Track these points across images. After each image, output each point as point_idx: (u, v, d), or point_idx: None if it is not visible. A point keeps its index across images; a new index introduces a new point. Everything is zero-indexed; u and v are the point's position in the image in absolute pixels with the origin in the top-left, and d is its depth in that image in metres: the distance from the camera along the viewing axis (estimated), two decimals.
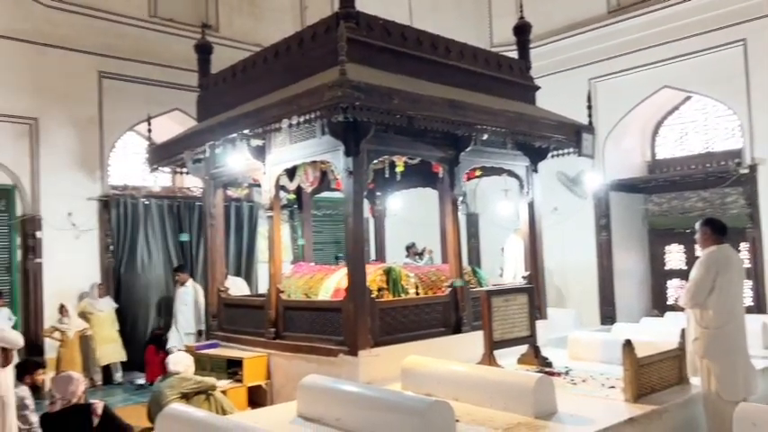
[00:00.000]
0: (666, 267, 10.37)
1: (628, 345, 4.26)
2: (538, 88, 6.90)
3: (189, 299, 8.40)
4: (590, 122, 6.79)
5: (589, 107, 6.88)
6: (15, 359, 5.42)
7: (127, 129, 9.22)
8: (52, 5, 8.41)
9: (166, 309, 9.22)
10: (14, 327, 7.79)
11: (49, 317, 8.13)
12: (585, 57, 9.83)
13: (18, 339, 4.74)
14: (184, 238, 9.19)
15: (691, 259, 9.69)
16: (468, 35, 7.71)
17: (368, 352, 5.02)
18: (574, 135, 6.37)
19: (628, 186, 10.13)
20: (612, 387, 4.57)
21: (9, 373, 4.69)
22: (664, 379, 4.49)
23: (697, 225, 4.70)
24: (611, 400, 4.30)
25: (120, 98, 8.99)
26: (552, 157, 6.81)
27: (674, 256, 10.31)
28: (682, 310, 4.87)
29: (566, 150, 6.63)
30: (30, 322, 8.13)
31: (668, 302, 10.00)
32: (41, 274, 8.23)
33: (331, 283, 5.92)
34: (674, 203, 10.15)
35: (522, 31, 6.99)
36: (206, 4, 10.11)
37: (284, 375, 5.70)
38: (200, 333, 8.30)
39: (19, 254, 8.19)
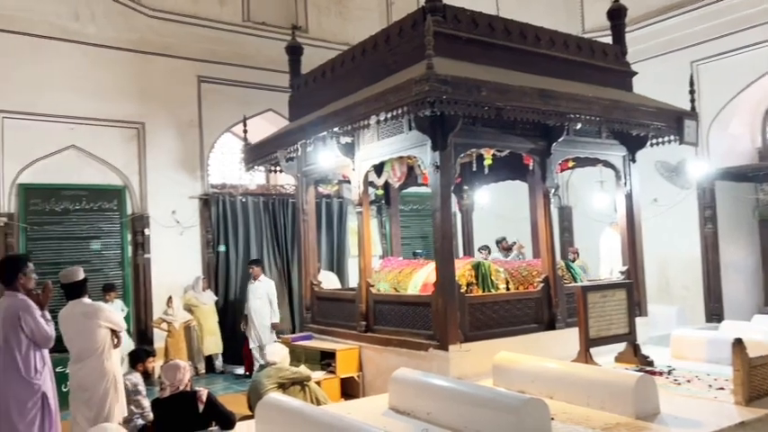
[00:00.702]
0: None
1: (738, 344, 3.98)
2: (635, 74, 6.58)
3: (262, 293, 8.68)
4: (693, 108, 6.39)
5: (692, 92, 6.48)
6: (123, 342, 5.94)
7: (224, 130, 9.66)
8: (156, 15, 8.95)
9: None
10: (126, 317, 8.41)
11: (157, 308, 8.69)
12: (687, 38, 9.25)
13: (122, 322, 5.25)
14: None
15: None
16: (558, 23, 7.48)
17: (458, 347, 4.99)
18: (675, 122, 6.02)
19: (735, 175, 9.45)
20: (721, 389, 4.30)
21: (118, 355, 5.13)
22: None
23: None
24: (719, 402, 4.04)
25: (217, 101, 9.45)
26: (651, 145, 6.47)
27: None
28: None
29: (666, 138, 6.28)
30: (140, 313, 8.73)
31: None
32: (150, 268, 8.81)
33: (419, 278, 5.94)
34: None
35: (616, 14, 6.68)
36: (295, 6, 10.40)
37: (375, 368, 5.79)
38: (272, 326, 8.59)
39: (130, 250, 8.81)
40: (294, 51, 7.46)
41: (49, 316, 4.28)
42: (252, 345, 8.65)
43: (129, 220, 8.80)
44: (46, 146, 8.19)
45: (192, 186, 9.27)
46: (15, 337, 4.06)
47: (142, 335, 8.62)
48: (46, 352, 4.26)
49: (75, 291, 4.91)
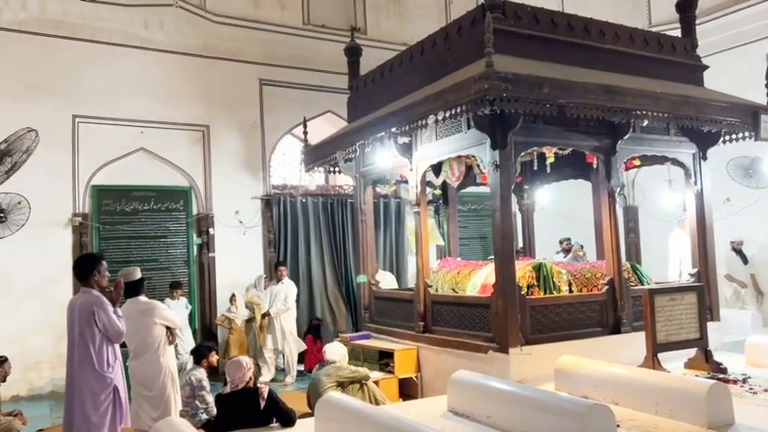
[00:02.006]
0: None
1: None
2: (706, 68, 6.29)
3: (282, 295, 8.52)
4: None
5: None
6: (179, 338, 6.18)
7: (285, 132, 9.84)
8: (219, 21, 9.21)
9: (322, 300, 9.74)
10: (191, 315, 8.70)
11: (221, 306, 8.93)
12: (761, 30, 8.76)
13: (178, 320, 5.44)
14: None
15: None
16: (624, 17, 7.26)
17: (519, 350, 4.91)
18: (750, 117, 5.72)
19: None
20: None
21: (172, 351, 5.31)
22: None
23: None
24: None
25: (278, 103, 9.63)
26: (724, 142, 6.17)
27: None
28: None
29: (741, 134, 5.97)
30: (205, 311, 9.00)
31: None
32: (214, 267, 9.07)
33: (479, 279, 5.87)
34: None
35: (684, 6, 6.42)
36: (354, 8, 10.48)
37: (434, 369, 5.76)
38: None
39: (195, 249, 9.09)
40: (353, 53, 7.53)
41: (120, 312, 4.46)
42: (267, 347, 8.40)
43: (195, 219, 9.09)
44: (117, 148, 8.56)
45: (254, 187, 9.49)
46: (90, 332, 4.24)
47: (206, 331, 8.88)
48: (117, 347, 4.44)
49: (133, 289, 5.10)
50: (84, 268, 4.42)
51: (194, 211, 9.11)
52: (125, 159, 8.64)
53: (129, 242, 8.66)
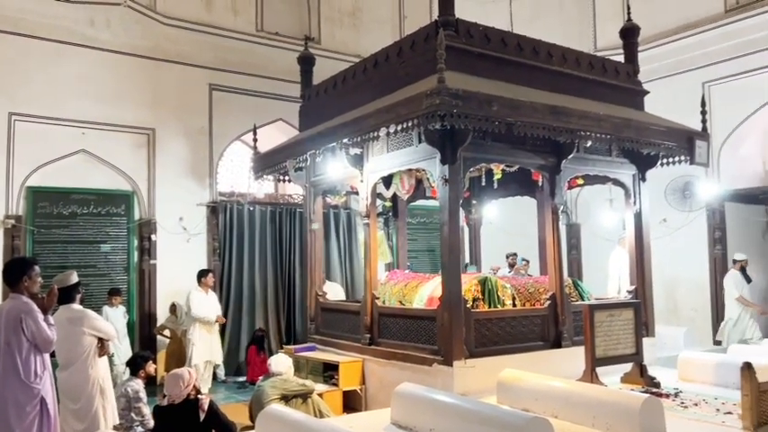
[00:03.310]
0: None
1: (748, 368, 3.92)
2: (646, 93, 6.57)
3: (214, 302, 8.21)
4: (704, 128, 6.38)
5: (703, 112, 6.46)
6: (111, 349, 5.88)
7: (234, 138, 9.68)
8: (170, 23, 9.01)
9: (266, 311, 9.59)
10: (129, 324, 8.40)
11: (161, 315, 8.68)
12: (699, 59, 9.24)
13: (111, 331, 5.16)
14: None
15: None
16: (570, 40, 7.48)
17: (463, 363, 4.95)
18: (686, 142, 6.01)
19: (745, 197, 9.38)
20: (729, 413, 4.23)
21: (105, 362, 5.08)
22: None
23: None
24: (727, 427, 3.97)
25: (228, 109, 9.48)
26: (662, 165, 6.45)
27: None
28: None
29: (677, 158, 6.25)
30: (144, 319, 8.71)
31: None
32: (155, 274, 8.81)
33: (425, 292, 5.91)
34: None
35: (628, 34, 6.69)
36: (309, 17, 10.47)
37: (378, 381, 5.75)
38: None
39: (136, 255, 8.81)
40: (306, 62, 7.50)
41: (52, 320, 4.26)
42: (198, 359, 7.94)
43: (137, 225, 8.82)
44: (56, 149, 8.23)
45: (200, 194, 9.28)
46: (17, 340, 4.04)
47: (145, 340, 8.60)
48: (47, 356, 4.24)
49: (66, 296, 4.84)
50: (14, 273, 4.22)
51: (136, 217, 8.84)
52: (65, 161, 8.31)
53: (66, 247, 8.32)
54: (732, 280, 8.53)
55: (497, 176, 6.34)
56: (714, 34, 9.06)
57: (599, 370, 5.01)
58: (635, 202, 6.36)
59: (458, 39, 5.24)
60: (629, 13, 6.80)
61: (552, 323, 5.61)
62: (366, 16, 10.91)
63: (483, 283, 5.72)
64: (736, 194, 9.27)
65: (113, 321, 7.44)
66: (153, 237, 8.79)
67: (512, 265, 10.04)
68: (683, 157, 6.17)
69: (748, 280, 8.67)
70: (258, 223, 9.68)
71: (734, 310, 8.49)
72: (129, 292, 8.69)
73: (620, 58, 6.65)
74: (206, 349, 8.01)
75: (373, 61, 6.10)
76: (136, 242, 8.80)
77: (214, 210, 9.33)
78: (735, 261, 8.66)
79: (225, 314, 9.15)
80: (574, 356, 5.27)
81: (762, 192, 9.39)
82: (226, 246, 9.42)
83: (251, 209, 9.64)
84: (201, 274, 8.19)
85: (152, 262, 8.78)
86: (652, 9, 9.42)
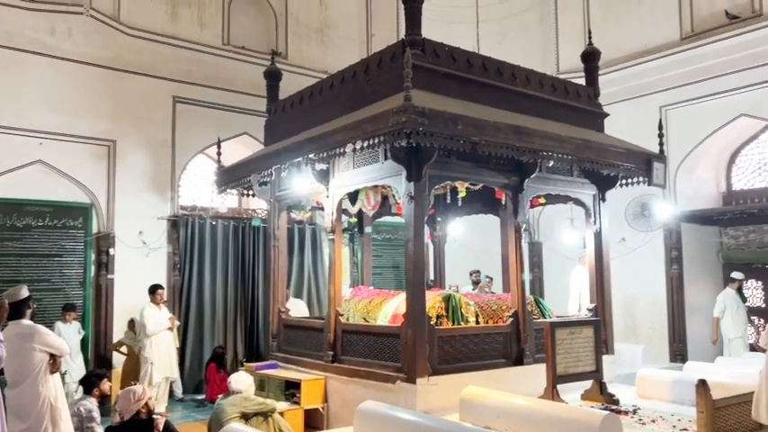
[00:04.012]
0: (744, 304, 9.77)
1: (702, 385, 4.02)
2: (606, 115, 6.74)
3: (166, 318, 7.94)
4: (661, 151, 6.57)
5: (660, 135, 6.66)
6: (63, 366, 5.65)
7: (198, 152, 9.54)
8: (134, 34, 8.87)
9: (227, 328, 9.41)
10: (83, 340, 8.14)
11: (118, 331, 8.43)
12: (657, 84, 9.55)
13: (63, 346, 4.97)
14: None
15: None
16: (534, 62, 7.65)
17: (426, 380, 4.94)
18: (644, 164, 6.18)
19: (701, 218, 9.68)
20: (685, 430, 4.32)
21: (57, 379, 4.89)
22: (741, 423, 4.21)
23: None
24: None
25: (192, 122, 9.35)
26: (621, 186, 6.61)
27: (753, 292, 9.72)
28: (763, 351, 4.57)
29: (636, 179, 6.42)
30: (100, 336, 8.44)
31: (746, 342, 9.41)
32: (113, 289, 8.56)
33: (390, 308, 5.89)
34: (752, 237, 9.62)
35: (589, 57, 6.88)
36: (276, 32, 10.45)
37: (341, 399, 5.69)
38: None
39: (93, 269, 8.56)
40: (273, 76, 7.48)
41: (1, 336, 4.09)
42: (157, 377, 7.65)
43: (94, 239, 8.58)
44: (11, 159, 7.97)
45: (161, 207, 9.10)
46: None
47: (101, 358, 8.34)
48: None
49: (16, 311, 4.65)
50: None
51: (94, 230, 8.60)
52: (20, 171, 8.05)
53: (19, 260, 8.03)
54: (723, 298, 8.71)
55: (462, 194, 6.41)
56: (671, 60, 9.38)
57: (560, 387, 5.06)
58: (595, 222, 6.49)
59: (424, 58, 5.31)
60: (590, 38, 7.00)
61: (515, 340, 5.66)
62: (334, 33, 10.96)
63: (447, 300, 5.75)
64: (692, 215, 9.56)
65: (66, 337, 7.21)
66: (111, 251, 8.56)
67: (476, 283, 10.11)
68: (641, 179, 6.35)
69: (744, 299, 8.88)
70: (220, 238, 9.52)
71: (733, 328, 8.63)
72: (84, 307, 8.42)
73: (582, 81, 6.83)
74: (163, 366, 7.79)
75: (340, 78, 6.12)
76: (93, 256, 8.56)
77: (175, 224, 9.15)
78: (733, 280, 8.84)
79: (184, 330, 8.96)
80: (535, 374, 5.31)
81: (716, 213, 9.71)
82: (186, 260, 9.23)
83: (213, 223, 9.49)
84: (152, 290, 7.94)
85: (109, 277, 8.54)
86: (612, 34, 9.73)
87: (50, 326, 7.11)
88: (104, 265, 8.53)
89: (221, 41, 9.76)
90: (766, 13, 8.49)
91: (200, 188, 10.15)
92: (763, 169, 9.57)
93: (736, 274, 8.85)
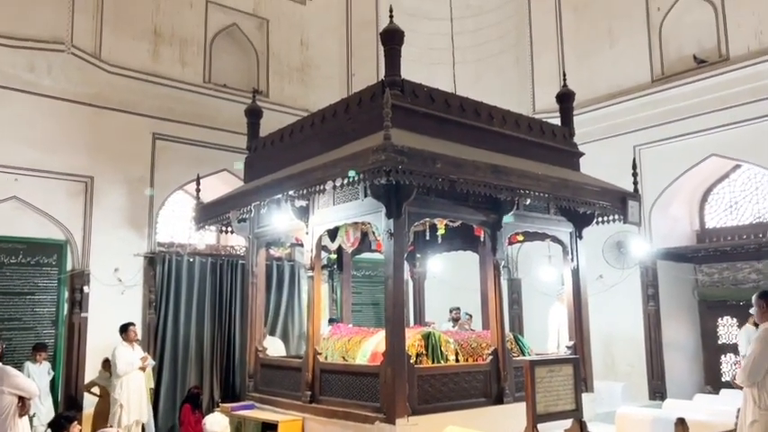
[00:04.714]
0: (720, 341, 9.87)
1: (681, 423, 4.03)
2: (582, 154, 6.88)
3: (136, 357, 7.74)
4: (636, 189, 6.70)
5: (634, 174, 6.81)
6: (33, 409, 5.47)
7: (177, 188, 9.50)
8: (116, 72, 8.88)
9: (203, 367, 9.21)
10: (53, 381, 7.91)
11: (90, 371, 8.21)
12: (630, 124, 9.79)
13: (33, 389, 4.83)
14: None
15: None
16: (510, 102, 7.81)
17: (405, 420, 4.88)
18: (619, 202, 6.29)
19: (676, 255, 9.82)
20: None
21: (26, 422, 4.73)
22: None
23: (753, 298, 4.51)
24: None
25: (171, 159, 9.32)
26: (597, 223, 6.70)
27: (728, 329, 9.83)
28: (740, 388, 4.60)
29: (611, 217, 6.53)
30: (71, 376, 8.20)
31: (723, 379, 9.46)
32: (86, 328, 8.36)
33: (369, 347, 5.83)
34: (726, 274, 9.77)
35: (564, 98, 7.05)
36: (257, 71, 10.56)
37: None
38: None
39: (66, 308, 8.37)
40: (254, 114, 7.52)
41: None
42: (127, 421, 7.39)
43: (68, 276, 8.42)
44: None
45: (138, 244, 8.98)
46: None
47: (71, 400, 8.08)
48: None
49: None
50: None
51: (68, 267, 8.44)
52: None
53: None
54: (746, 334, 8.66)
55: (441, 231, 6.45)
56: (643, 102, 9.65)
57: (540, 426, 5.01)
58: (572, 259, 6.55)
59: (403, 98, 5.40)
60: (564, 80, 7.20)
61: (494, 379, 5.63)
62: (315, 72, 11.11)
63: (427, 337, 5.71)
64: (667, 253, 9.70)
65: (36, 378, 7.00)
66: (85, 288, 8.40)
67: (455, 320, 10.07)
68: (616, 216, 6.45)
69: None
70: (198, 275, 9.40)
71: None
72: (56, 346, 8.21)
73: (558, 121, 6.98)
74: (133, 408, 7.54)
75: (321, 116, 6.19)
76: (66, 294, 8.38)
77: (152, 261, 9.02)
78: (751, 314, 8.80)
79: (159, 370, 8.75)
80: (516, 413, 5.27)
81: (690, 251, 9.86)
82: (162, 298, 9.07)
83: (191, 260, 9.38)
84: (124, 328, 7.76)
85: (83, 315, 8.36)
86: (586, 76, 10.02)
87: (20, 366, 6.91)
88: (78, 303, 8.35)
89: (203, 79, 9.82)
90: (732, 57, 8.81)
91: (178, 225, 10.07)
92: (734, 208, 9.80)
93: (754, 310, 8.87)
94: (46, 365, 7.74)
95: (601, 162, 8.19)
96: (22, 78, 8.22)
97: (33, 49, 8.21)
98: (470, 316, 9.90)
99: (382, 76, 5.59)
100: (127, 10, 9.20)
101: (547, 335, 9.01)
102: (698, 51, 9.34)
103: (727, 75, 8.76)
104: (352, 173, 4.73)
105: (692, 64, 9.31)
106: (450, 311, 10.18)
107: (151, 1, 9.50)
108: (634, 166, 6.85)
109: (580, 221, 6.57)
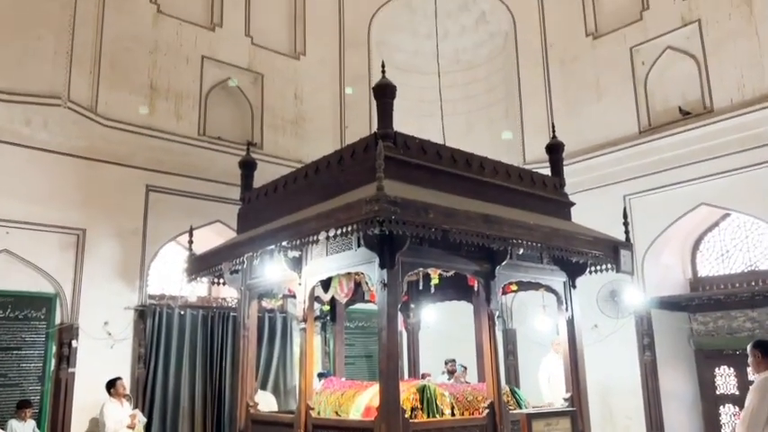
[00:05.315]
0: (718, 391, 9.74)
1: None
2: (573, 204, 6.93)
3: None
4: (627, 239, 6.73)
5: (626, 223, 6.85)
6: None
7: (169, 239, 9.46)
8: (111, 125, 8.96)
9: (192, 423, 8.98)
10: None
11: (77, 429, 7.97)
12: (620, 174, 9.93)
13: None
14: None
15: (743, 384, 9.13)
16: (500, 153, 7.93)
17: None
18: (611, 251, 6.31)
19: (670, 304, 9.80)
20: None
21: None
22: None
23: (748, 348, 4.49)
24: None
25: (164, 210, 9.32)
26: (590, 272, 6.70)
27: (726, 379, 9.72)
28: None
29: (604, 266, 6.53)
30: None
31: (723, 431, 9.30)
32: (73, 384, 8.17)
33: (362, 401, 5.71)
34: (721, 323, 9.73)
35: (554, 149, 7.15)
36: (252, 124, 10.70)
37: None
38: None
39: (53, 363, 8.19)
40: (247, 166, 7.58)
41: None
42: None
43: (56, 330, 8.27)
44: None
45: (128, 297, 8.88)
46: None
47: None
48: None
49: None
50: None
51: (57, 321, 8.31)
52: None
53: None
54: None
55: (435, 281, 6.42)
56: (631, 152, 9.82)
57: None
58: (567, 309, 6.51)
59: (396, 150, 5.47)
60: (553, 131, 7.33)
61: None
62: (309, 125, 11.27)
63: (422, 391, 5.60)
64: (661, 301, 9.68)
65: None
66: (74, 342, 8.24)
67: (451, 372, 9.92)
68: (609, 266, 6.46)
69: None
70: (188, 328, 9.27)
71: None
72: (41, 403, 7.99)
73: (548, 171, 7.07)
74: None
75: (315, 167, 6.24)
76: (54, 348, 8.21)
77: (142, 314, 8.90)
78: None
79: (149, 426, 8.50)
80: None
81: (684, 299, 9.85)
82: (152, 352, 8.90)
83: (182, 312, 9.26)
84: (111, 383, 7.57)
85: (70, 370, 8.17)
86: (575, 127, 10.22)
87: (3, 424, 6.71)
88: (66, 358, 8.18)
89: (197, 132, 9.93)
90: (717, 109, 9.04)
91: (169, 277, 9.99)
92: (725, 256, 9.85)
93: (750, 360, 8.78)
94: (31, 423, 7.52)
95: (592, 211, 8.26)
96: (17, 132, 8.28)
97: (30, 104, 8.30)
98: (465, 368, 9.76)
99: (375, 128, 5.67)
100: (124, 65, 9.37)
101: (541, 386, 8.88)
102: (683, 103, 9.58)
103: (713, 126, 8.96)
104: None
105: (678, 115, 9.53)
106: (446, 363, 10.04)
107: (148, 56, 9.69)
108: (625, 216, 6.91)
109: (573, 271, 6.57)
